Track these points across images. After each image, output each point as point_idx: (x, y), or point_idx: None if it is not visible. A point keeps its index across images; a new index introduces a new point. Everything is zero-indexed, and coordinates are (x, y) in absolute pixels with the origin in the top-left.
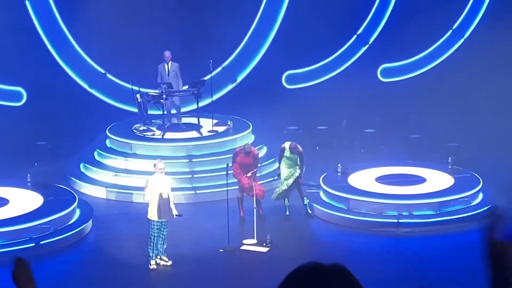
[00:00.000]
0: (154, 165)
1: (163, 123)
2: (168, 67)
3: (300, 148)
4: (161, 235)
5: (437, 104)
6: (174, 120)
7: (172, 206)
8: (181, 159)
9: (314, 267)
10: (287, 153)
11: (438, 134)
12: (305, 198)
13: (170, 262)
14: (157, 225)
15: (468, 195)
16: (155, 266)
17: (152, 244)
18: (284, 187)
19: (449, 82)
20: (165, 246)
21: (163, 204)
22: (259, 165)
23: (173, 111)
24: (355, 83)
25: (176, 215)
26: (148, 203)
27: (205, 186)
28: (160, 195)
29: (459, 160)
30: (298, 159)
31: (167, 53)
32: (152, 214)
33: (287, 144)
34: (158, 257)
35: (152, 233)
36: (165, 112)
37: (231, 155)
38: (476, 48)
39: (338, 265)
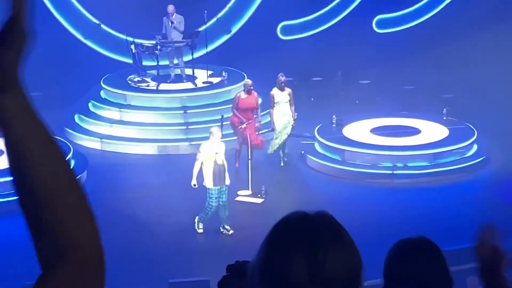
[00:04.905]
0: (211, 132)
1: (172, 75)
2: (171, 21)
3: (289, 89)
4: (220, 202)
5: (432, 55)
6: (178, 71)
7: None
8: (175, 110)
9: (301, 216)
10: (277, 98)
11: (433, 85)
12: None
13: (231, 232)
14: (215, 193)
15: (463, 146)
16: (202, 230)
17: (207, 212)
18: (284, 136)
19: (445, 33)
20: (227, 214)
21: (218, 170)
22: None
23: (176, 61)
24: (350, 34)
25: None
26: (201, 169)
27: (200, 138)
28: (215, 161)
29: (454, 111)
30: (289, 102)
31: (170, 8)
32: (208, 182)
33: (274, 89)
34: (221, 226)
35: (210, 203)
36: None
37: (225, 106)
38: None
39: (323, 212)
